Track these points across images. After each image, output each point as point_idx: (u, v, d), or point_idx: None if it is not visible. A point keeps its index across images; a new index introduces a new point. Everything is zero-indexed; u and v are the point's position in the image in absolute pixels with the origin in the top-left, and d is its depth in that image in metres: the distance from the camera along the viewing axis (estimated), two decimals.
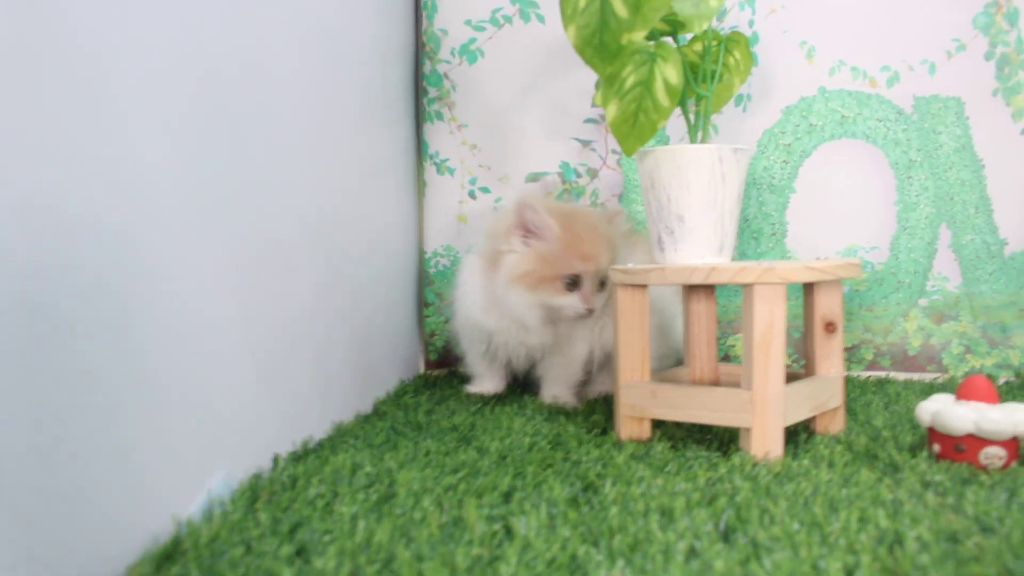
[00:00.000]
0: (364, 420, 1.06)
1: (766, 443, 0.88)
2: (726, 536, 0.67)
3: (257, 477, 0.81)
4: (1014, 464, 0.84)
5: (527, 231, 1.08)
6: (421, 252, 1.29)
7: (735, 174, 0.96)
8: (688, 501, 0.74)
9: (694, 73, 1.01)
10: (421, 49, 1.26)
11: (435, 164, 1.27)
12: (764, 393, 0.88)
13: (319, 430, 0.96)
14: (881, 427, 0.99)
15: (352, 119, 1.07)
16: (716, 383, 1.05)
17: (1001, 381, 1.21)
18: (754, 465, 0.84)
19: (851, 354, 1.25)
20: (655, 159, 0.96)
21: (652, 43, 0.92)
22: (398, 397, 1.18)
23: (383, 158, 1.17)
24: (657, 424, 1.02)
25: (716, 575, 0.59)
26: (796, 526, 0.68)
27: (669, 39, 1.00)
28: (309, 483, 0.79)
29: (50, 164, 0.54)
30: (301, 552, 0.65)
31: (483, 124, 1.26)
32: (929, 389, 1.17)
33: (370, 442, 0.95)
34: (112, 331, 0.60)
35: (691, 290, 1.05)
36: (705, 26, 0.92)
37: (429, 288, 1.29)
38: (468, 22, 1.24)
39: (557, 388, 1.17)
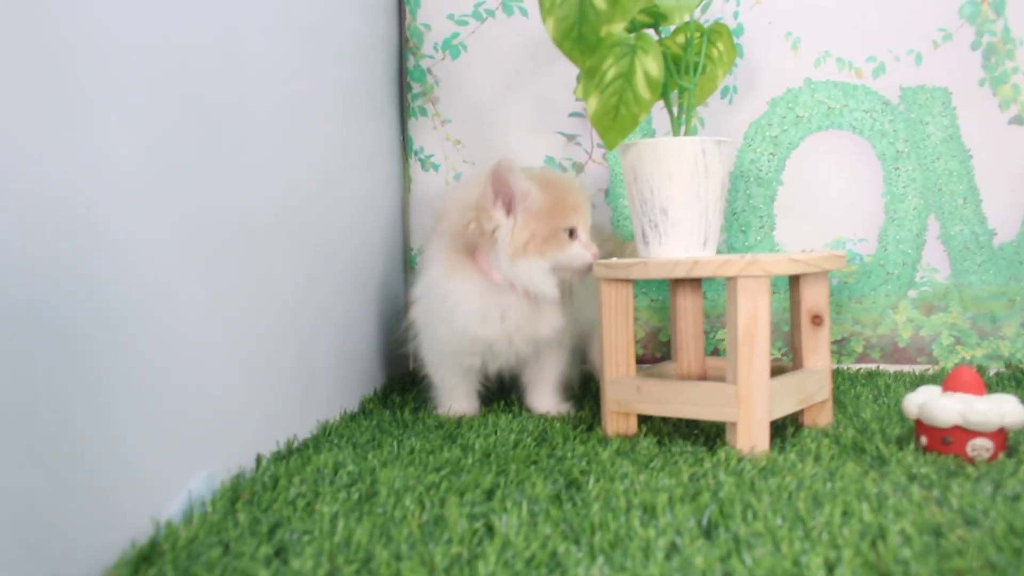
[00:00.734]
0: (350, 418, 1.05)
1: (752, 437, 0.88)
2: (708, 532, 0.67)
3: (239, 477, 0.80)
4: (1001, 455, 0.84)
5: (508, 199, 1.02)
6: (407, 248, 1.29)
7: (718, 167, 0.96)
8: (671, 497, 0.74)
9: (676, 65, 1.01)
10: (405, 44, 1.26)
11: (420, 160, 1.26)
12: (749, 387, 0.87)
13: (304, 429, 0.96)
14: (869, 420, 0.99)
15: (335, 114, 1.07)
16: (704, 377, 1.05)
17: (992, 372, 1.21)
18: (739, 460, 0.84)
19: (840, 347, 1.24)
20: (638, 152, 0.96)
21: (633, 35, 0.92)
22: (385, 395, 1.18)
23: (367, 153, 1.17)
24: (644, 419, 1.02)
25: (696, 571, 0.59)
26: (779, 521, 0.68)
27: (651, 31, 1.00)
28: (290, 483, 0.79)
29: (30, 156, 0.53)
30: (280, 552, 0.65)
31: (467, 119, 1.25)
32: (919, 381, 1.16)
33: (354, 441, 0.95)
34: (90, 331, 0.60)
35: (677, 284, 1.05)
36: (686, 18, 0.92)
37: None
38: (451, 16, 1.23)
39: (548, 400, 1.12)
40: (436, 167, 1.26)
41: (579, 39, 0.87)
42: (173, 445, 0.71)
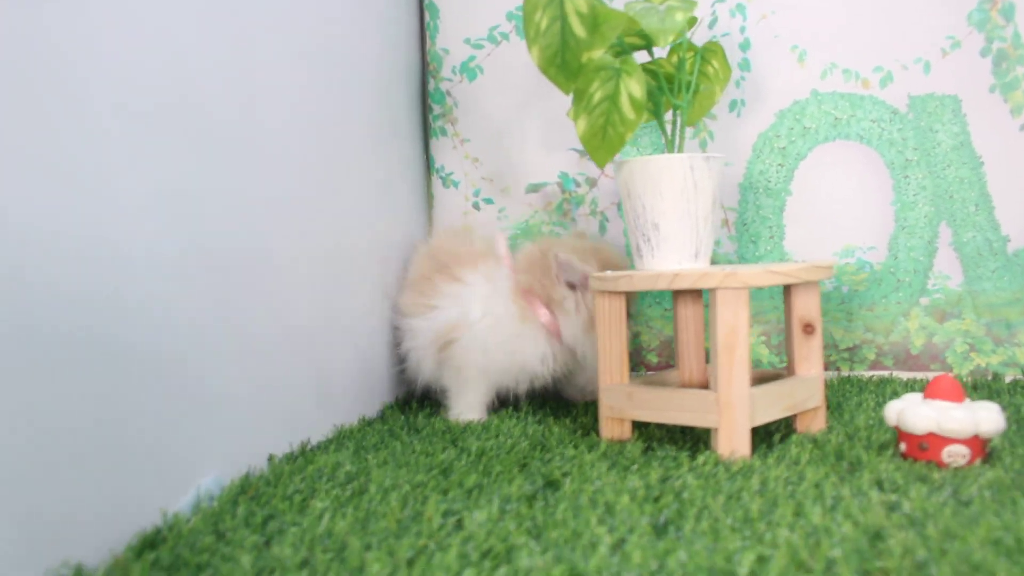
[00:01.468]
0: (367, 424, 1.13)
1: (733, 443, 0.92)
2: (660, 530, 0.72)
3: (248, 475, 0.89)
4: (978, 462, 0.86)
5: (571, 283, 1.13)
6: None
7: (708, 182, 1.00)
8: (634, 498, 0.79)
9: (670, 85, 1.06)
10: (426, 68, 1.34)
11: (441, 178, 1.34)
12: (729, 394, 0.92)
13: (319, 433, 1.04)
14: (861, 426, 1.01)
15: (358, 136, 1.15)
16: (704, 385, 1.10)
17: (1008, 379, 1.21)
18: (716, 464, 0.89)
19: (852, 354, 1.27)
20: (630, 170, 1.01)
21: (619, 59, 0.97)
22: (405, 402, 1.25)
23: (392, 173, 1.25)
24: (643, 425, 1.07)
25: (632, 566, 0.65)
26: (729, 521, 0.72)
27: (643, 53, 1.05)
28: (291, 480, 0.87)
29: (43, 182, 0.62)
30: (269, 542, 0.73)
31: (484, 138, 1.32)
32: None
33: (364, 444, 1.03)
34: (106, 337, 0.69)
35: (678, 295, 1.10)
36: (671, 40, 0.97)
37: None
38: (467, 40, 1.30)
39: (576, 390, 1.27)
40: (456, 184, 1.33)
41: (563, 66, 0.93)
42: (188, 445, 0.80)
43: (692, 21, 1.07)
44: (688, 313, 1.10)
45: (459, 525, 0.75)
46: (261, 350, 0.92)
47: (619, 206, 1.31)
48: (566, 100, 1.29)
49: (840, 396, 1.16)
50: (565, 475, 0.87)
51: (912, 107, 1.23)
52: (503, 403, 1.24)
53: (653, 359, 1.32)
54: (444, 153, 1.33)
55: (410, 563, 0.67)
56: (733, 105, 1.26)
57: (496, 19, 1.29)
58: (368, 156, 1.18)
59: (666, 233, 1.01)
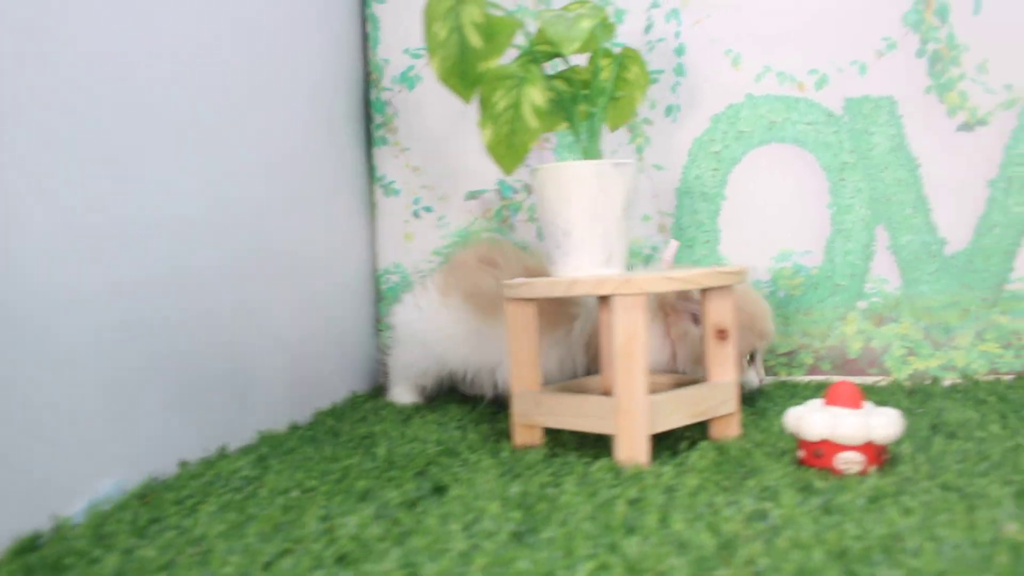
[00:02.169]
0: (295, 429, 1.16)
1: (631, 449, 0.93)
2: (517, 537, 0.73)
3: (151, 481, 0.92)
4: (873, 469, 0.86)
5: (694, 316, 1.16)
6: (375, 271, 1.39)
7: (617, 188, 1.01)
8: (506, 504, 0.80)
9: (588, 92, 1.06)
10: (368, 78, 1.36)
11: (383, 187, 1.36)
12: (627, 401, 0.92)
13: (240, 439, 1.07)
14: (776, 433, 1.02)
15: (298, 145, 1.18)
16: None
17: (947, 383, 1.20)
18: (609, 471, 0.90)
19: (790, 359, 1.26)
20: (541, 177, 1.02)
21: (523, 67, 0.98)
22: (340, 408, 1.28)
23: (334, 182, 1.27)
24: (559, 432, 1.08)
25: (471, 571, 0.66)
26: (589, 528, 0.73)
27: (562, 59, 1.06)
28: (187, 485, 0.90)
29: None
30: (142, 545, 0.75)
31: (424, 147, 1.34)
32: (869, 392, 1.18)
33: (278, 449, 1.05)
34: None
35: (601, 302, 1.11)
36: (576, 48, 0.98)
37: (382, 304, 1.38)
38: (407, 50, 1.32)
39: None
40: (397, 193, 1.35)
41: (462, 76, 0.95)
42: (88, 450, 0.83)
43: (609, 29, 1.08)
44: (609, 319, 1.10)
45: (329, 530, 0.77)
46: (176, 355, 0.95)
47: None
48: None
49: (771, 401, 1.16)
50: (457, 481, 0.89)
51: (848, 109, 1.23)
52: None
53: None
54: (385, 162, 1.35)
55: (267, 566, 0.69)
56: (669, 110, 1.26)
57: None
58: (306, 164, 1.21)
59: (576, 240, 1.02)
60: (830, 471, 0.87)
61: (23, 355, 0.77)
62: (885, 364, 1.23)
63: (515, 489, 0.84)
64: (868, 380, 1.23)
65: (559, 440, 1.05)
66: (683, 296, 1.15)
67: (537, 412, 1.01)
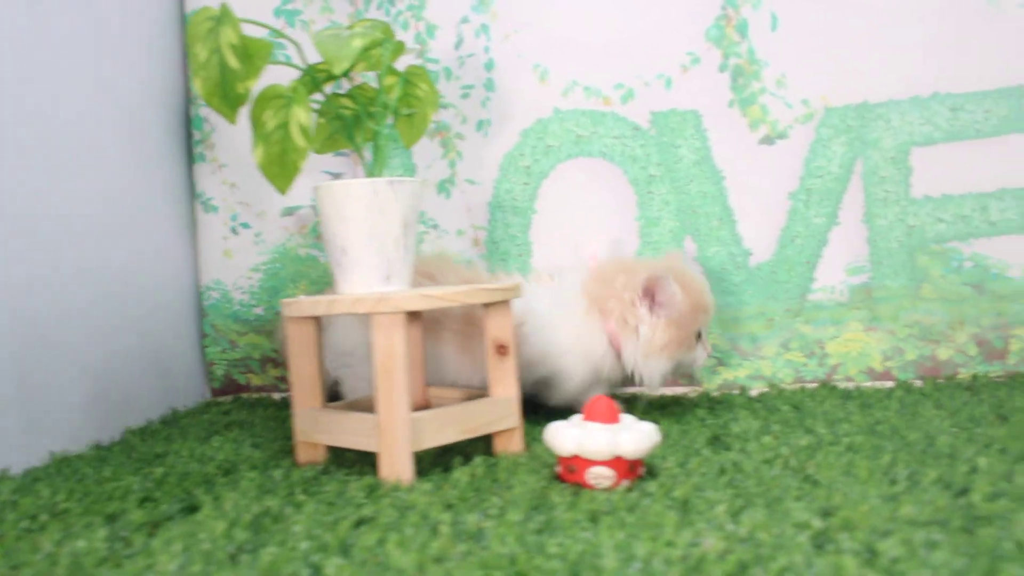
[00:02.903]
0: (95, 449, 1.15)
1: (394, 466, 0.93)
2: (233, 559, 0.73)
3: None
4: (625, 483, 0.88)
5: (655, 302, 1.13)
6: (197, 287, 1.39)
7: (394, 205, 1.02)
8: (235, 524, 0.80)
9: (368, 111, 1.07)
10: (188, 95, 1.36)
11: (202, 203, 1.36)
12: (389, 418, 0.93)
13: (28, 460, 1.06)
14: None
15: (115, 162, 1.18)
16: (427, 406, 1.11)
17: (754, 392, 1.23)
18: (364, 489, 0.90)
19: None
20: (320, 195, 1.03)
21: (291, 87, 0.99)
22: (153, 426, 1.27)
23: (151, 199, 1.27)
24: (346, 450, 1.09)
25: None
26: (304, 546, 0.74)
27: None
28: None
29: None
30: None
31: (240, 163, 1.34)
32: (676, 405, 1.20)
33: (63, 470, 1.04)
34: None
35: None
36: (346, 66, 0.98)
37: (205, 320, 1.38)
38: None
39: None
40: (215, 209, 1.35)
41: (224, 96, 0.95)
42: None
43: (398, 48, 1.09)
44: (408, 335, 1.11)
45: (54, 554, 0.76)
46: None
47: None
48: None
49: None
50: (215, 500, 0.89)
51: (654, 123, 1.25)
52: None
53: None
54: (204, 178, 1.35)
55: None
56: (480, 125, 1.28)
57: None
58: (122, 181, 1.20)
59: (354, 257, 1.02)
60: (583, 486, 0.88)
61: None
62: (695, 375, 1.25)
63: (256, 509, 0.85)
64: (679, 391, 1.25)
65: (344, 457, 1.05)
66: (626, 284, 1.13)
67: (315, 430, 1.02)
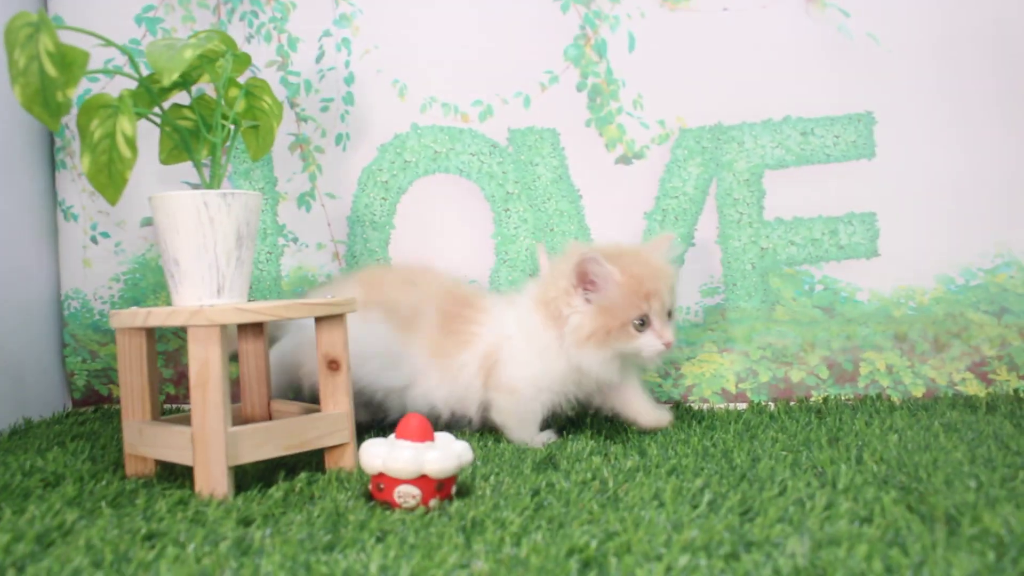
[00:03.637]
0: None
1: (209, 481, 0.93)
2: (3, 569, 0.73)
3: None
4: (434, 502, 0.88)
5: (588, 285, 1.09)
6: (58, 296, 1.37)
7: (226, 218, 1.02)
8: (22, 536, 0.79)
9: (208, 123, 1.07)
10: None
11: (63, 211, 1.34)
12: (203, 432, 0.93)
13: None
14: None
15: None
16: (269, 419, 1.11)
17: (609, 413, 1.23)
18: (177, 503, 0.90)
19: None
20: (154, 206, 1.02)
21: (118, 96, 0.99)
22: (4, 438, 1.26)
23: (13, 206, 1.26)
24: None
25: None
26: (78, 560, 0.73)
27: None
28: None
29: None
30: None
31: None
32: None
33: None
34: None
35: (241, 331, 1.11)
36: (175, 77, 0.98)
37: (66, 330, 1.36)
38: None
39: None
40: (75, 218, 1.34)
41: (45, 104, 0.95)
42: None
43: (244, 60, 1.09)
44: (249, 348, 1.11)
45: None
46: None
47: None
48: None
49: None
50: (17, 512, 0.88)
51: (512, 140, 1.26)
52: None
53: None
54: (65, 186, 1.34)
55: None
56: (339, 139, 1.28)
57: (110, 52, 1.30)
58: None
59: (186, 269, 1.02)
60: (391, 505, 0.88)
61: None
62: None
63: (50, 523, 0.84)
64: None
65: (175, 471, 1.04)
66: (561, 272, 1.10)
67: (140, 443, 1.01)
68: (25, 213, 1.30)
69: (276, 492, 0.93)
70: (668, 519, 0.80)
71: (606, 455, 1.05)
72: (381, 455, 0.89)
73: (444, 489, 0.89)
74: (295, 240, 1.30)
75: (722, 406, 1.27)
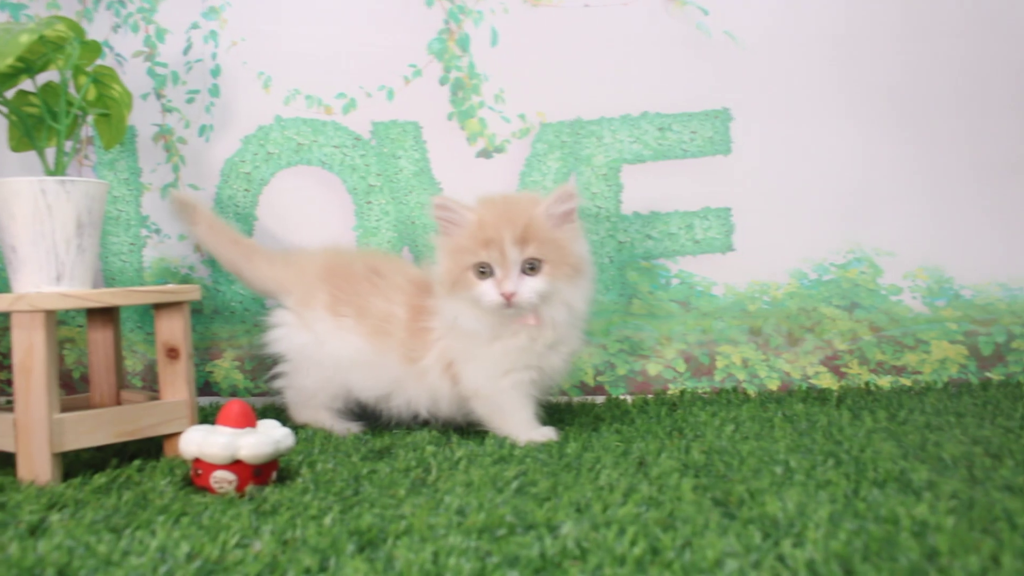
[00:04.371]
0: None
1: (33, 468, 0.93)
2: None
3: None
4: (251, 487, 0.89)
5: (445, 229, 1.06)
6: None
7: (65, 205, 1.02)
8: None
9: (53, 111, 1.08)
10: None
11: None
12: (26, 419, 0.93)
13: None
14: None
15: None
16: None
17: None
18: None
19: None
20: None
21: None
22: None
23: None
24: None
25: None
26: None
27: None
28: None
29: None
30: None
31: None
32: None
33: None
34: None
35: (89, 317, 1.12)
36: (9, 62, 0.99)
37: None
38: None
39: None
40: None
41: None
42: None
43: (94, 48, 1.10)
44: (98, 336, 1.12)
45: None
46: None
47: None
48: None
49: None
50: None
51: (375, 133, 1.27)
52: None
53: (138, 383, 1.33)
54: None
55: None
56: (203, 130, 1.29)
57: None
58: None
59: (23, 256, 1.03)
60: (208, 490, 0.89)
61: None
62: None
63: None
64: None
65: (8, 457, 1.05)
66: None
67: None
68: None
69: (100, 479, 0.94)
70: (464, 504, 0.81)
71: (448, 444, 1.06)
72: (197, 441, 0.90)
73: (262, 475, 0.91)
74: (158, 231, 1.30)
75: (579, 399, 1.29)
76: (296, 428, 1.14)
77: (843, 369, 1.30)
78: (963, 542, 0.67)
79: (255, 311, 1.29)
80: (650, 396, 1.29)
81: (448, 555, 0.68)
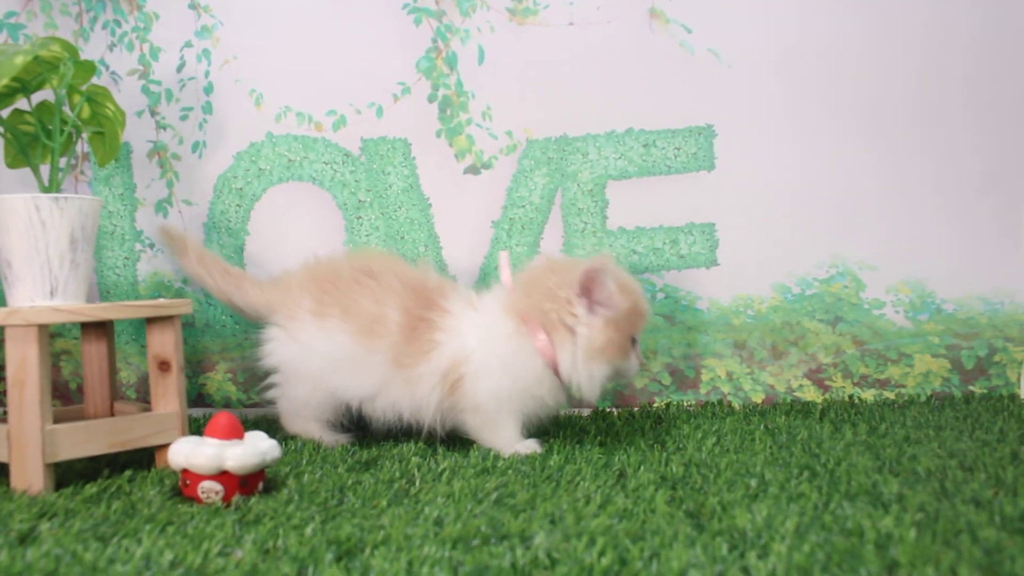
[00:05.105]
0: None
1: (26, 478, 0.96)
2: None
3: None
4: (237, 497, 0.92)
5: (594, 299, 1.09)
6: None
7: (58, 222, 1.06)
8: None
9: (47, 129, 1.11)
10: None
11: None
12: (20, 429, 0.96)
13: None
14: None
15: None
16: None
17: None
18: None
19: None
20: None
21: None
22: None
23: None
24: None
25: None
26: None
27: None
28: None
29: None
30: None
31: None
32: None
33: None
34: None
35: (84, 330, 1.15)
36: (5, 81, 1.02)
37: None
38: None
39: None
40: None
41: None
42: None
43: (89, 68, 1.13)
44: (92, 349, 1.15)
45: None
46: None
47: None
48: None
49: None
50: None
51: (365, 150, 1.31)
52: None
53: (132, 395, 1.37)
54: None
55: None
56: (196, 146, 1.32)
57: None
58: None
59: (18, 271, 1.06)
60: (196, 500, 0.92)
61: None
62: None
63: None
64: None
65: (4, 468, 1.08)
66: (561, 282, 1.09)
67: None
68: None
69: (91, 488, 0.97)
70: (443, 514, 0.84)
71: (426, 456, 1.09)
72: (185, 452, 0.93)
73: (248, 485, 0.94)
74: (151, 246, 1.34)
75: (565, 413, 1.32)
76: (286, 439, 1.18)
77: (827, 382, 1.32)
78: (924, 554, 0.70)
79: (245, 325, 1.32)
80: (636, 409, 1.31)
81: (422, 564, 0.71)
